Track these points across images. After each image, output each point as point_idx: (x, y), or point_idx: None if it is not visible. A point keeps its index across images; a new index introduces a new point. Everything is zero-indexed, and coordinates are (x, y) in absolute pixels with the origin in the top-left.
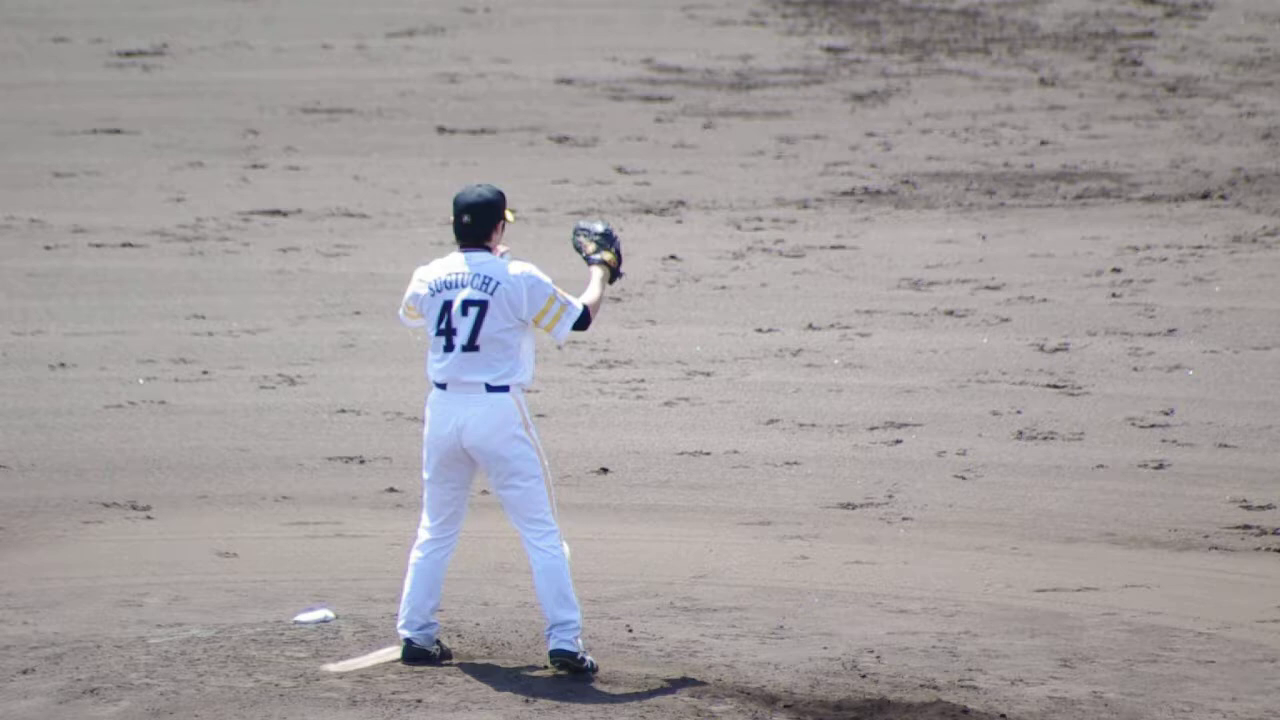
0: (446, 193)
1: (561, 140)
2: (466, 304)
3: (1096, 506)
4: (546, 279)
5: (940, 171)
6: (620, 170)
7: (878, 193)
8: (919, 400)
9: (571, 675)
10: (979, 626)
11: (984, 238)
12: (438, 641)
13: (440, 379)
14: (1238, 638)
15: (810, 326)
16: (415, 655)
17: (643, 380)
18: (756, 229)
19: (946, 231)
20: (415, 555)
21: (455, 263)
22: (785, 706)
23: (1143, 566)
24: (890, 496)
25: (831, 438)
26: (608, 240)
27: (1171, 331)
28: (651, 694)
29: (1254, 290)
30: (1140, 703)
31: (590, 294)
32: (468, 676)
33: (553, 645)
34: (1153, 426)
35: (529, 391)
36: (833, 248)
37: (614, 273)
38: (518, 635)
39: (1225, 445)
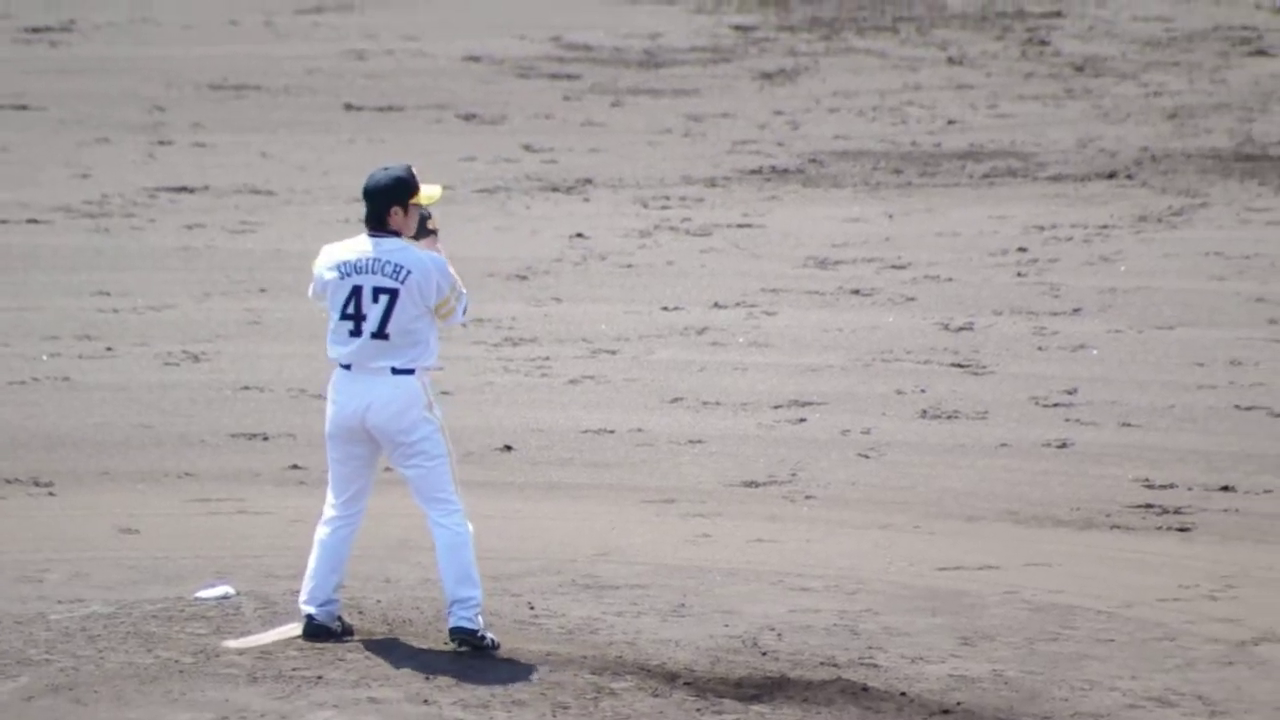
0: (353, 170)
1: (469, 118)
2: (377, 291)
3: (999, 485)
4: (451, 269)
5: (848, 150)
6: (527, 148)
7: (785, 171)
8: (823, 379)
9: (472, 652)
10: (880, 605)
11: (890, 217)
12: (339, 618)
13: (346, 360)
14: (1138, 616)
15: (716, 305)
16: (316, 631)
17: (547, 358)
18: (664, 207)
19: (853, 210)
20: (321, 532)
21: (363, 246)
22: (686, 684)
23: (1044, 545)
24: (794, 475)
25: (736, 416)
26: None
27: (1076, 311)
28: (552, 671)
29: (1159, 270)
30: (1040, 681)
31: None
32: (368, 653)
33: (453, 623)
34: (1056, 405)
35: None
36: (739, 226)
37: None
38: (419, 612)
39: (1128, 424)
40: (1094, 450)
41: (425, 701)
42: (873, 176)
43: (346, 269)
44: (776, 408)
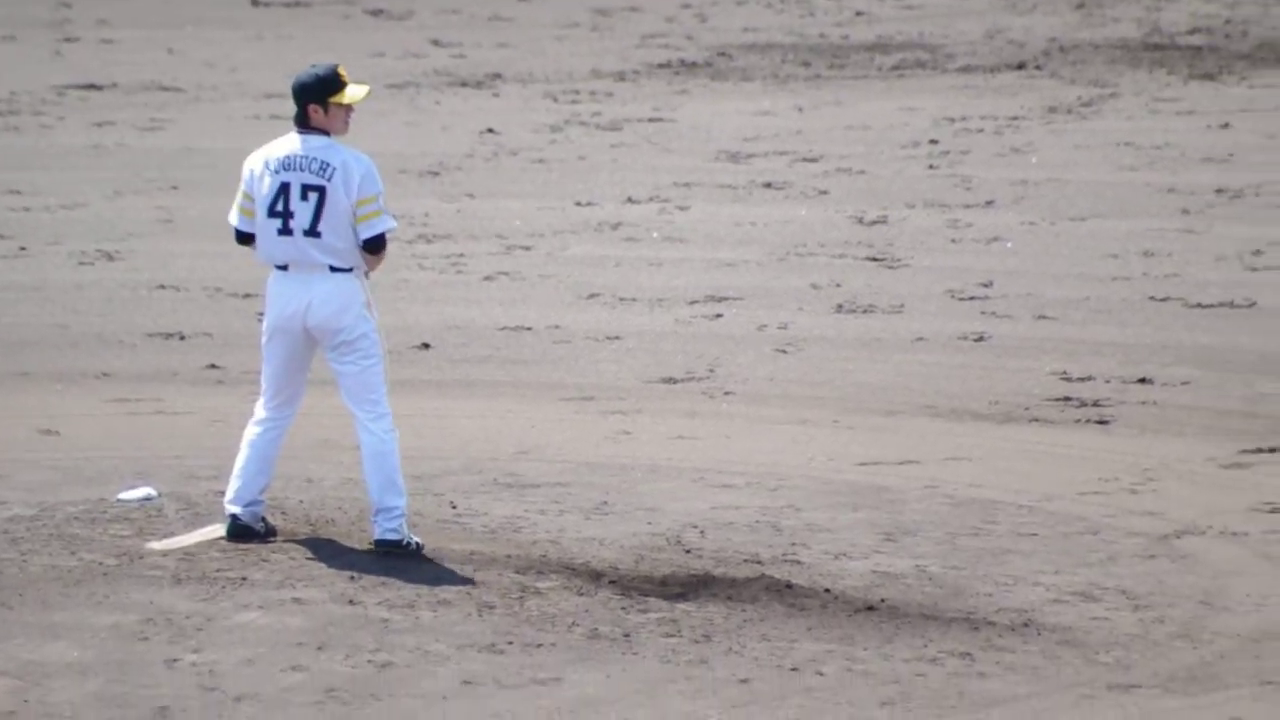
0: (261, 67)
1: (376, 13)
2: (306, 189)
3: (917, 379)
4: (380, 185)
5: (756, 43)
6: (436, 43)
7: (694, 65)
8: (739, 274)
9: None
10: (802, 501)
11: (800, 110)
12: (263, 519)
13: (281, 260)
14: (1059, 510)
15: (629, 200)
16: (240, 532)
17: (462, 255)
18: (573, 102)
19: (763, 104)
20: (250, 433)
21: (292, 143)
22: (610, 582)
23: (964, 439)
24: (711, 371)
25: (652, 312)
26: None
27: (989, 203)
28: (477, 569)
29: (1070, 161)
30: (963, 576)
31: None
32: (292, 554)
33: (377, 534)
34: (972, 299)
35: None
36: (650, 120)
37: None
38: (342, 512)
39: (1044, 317)
40: (1011, 343)
41: (350, 602)
42: (781, 69)
43: (275, 165)
44: (692, 303)
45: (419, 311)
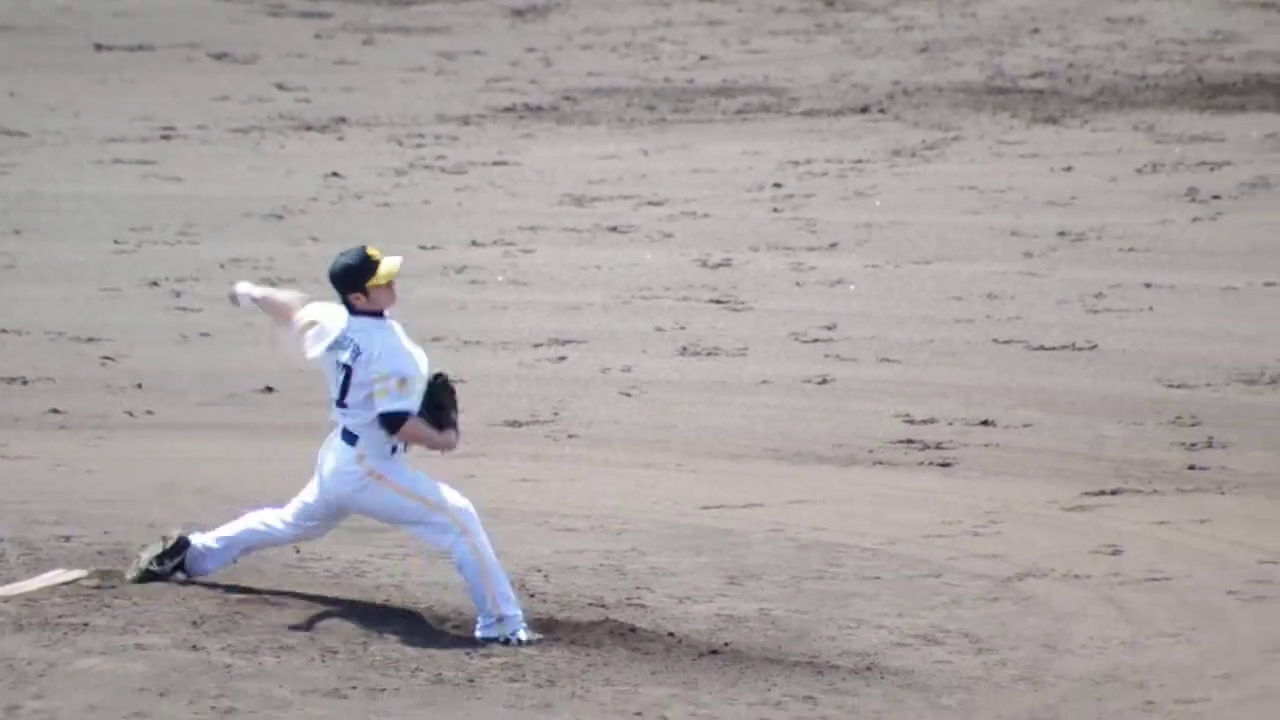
0: (104, 111)
1: (220, 57)
2: (339, 365)
3: (761, 422)
4: (405, 364)
5: (601, 87)
6: (280, 87)
7: (539, 109)
8: (583, 317)
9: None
10: (646, 544)
11: (645, 153)
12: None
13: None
14: (903, 553)
15: (473, 243)
16: (177, 550)
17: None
18: (419, 145)
19: (608, 147)
20: (268, 515)
21: (342, 321)
22: (454, 626)
23: (808, 482)
24: (556, 414)
25: (496, 355)
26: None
27: (833, 246)
28: (320, 617)
29: (914, 204)
30: (807, 619)
31: (426, 431)
32: (134, 599)
33: (478, 633)
34: (815, 341)
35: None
36: (495, 164)
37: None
38: None
39: (887, 360)
40: (854, 386)
41: (193, 648)
42: (627, 113)
43: (333, 344)
44: (537, 346)
45: (263, 355)
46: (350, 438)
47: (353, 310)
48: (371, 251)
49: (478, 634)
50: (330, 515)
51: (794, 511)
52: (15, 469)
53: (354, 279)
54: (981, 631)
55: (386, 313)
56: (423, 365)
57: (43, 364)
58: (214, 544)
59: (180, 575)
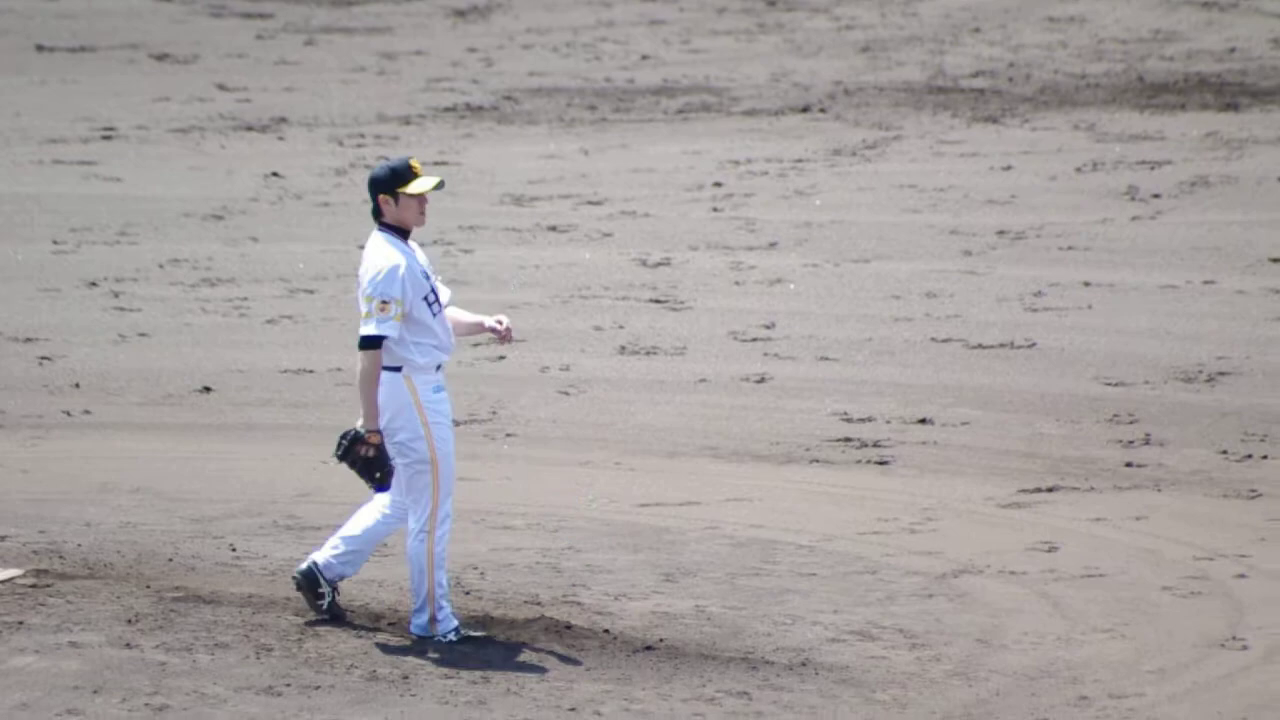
0: (46, 111)
1: (161, 58)
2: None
3: (699, 420)
4: (387, 279)
5: (542, 87)
6: (221, 87)
7: (480, 109)
8: (522, 316)
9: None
10: (582, 542)
11: (586, 153)
12: (334, 586)
13: None
14: (839, 550)
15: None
16: (308, 582)
17: (245, 298)
18: (359, 145)
19: (549, 147)
20: (381, 510)
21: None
22: (390, 624)
23: (745, 480)
24: (494, 413)
25: None
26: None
27: (773, 245)
28: (255, 613)
29: (854, 203)
30: (742, 616)
31: (368, 387)
32: (68, 598)
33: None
34: (754, 340)
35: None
36: (435, 164)
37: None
38: (120, 555)
39: (826, 358)
40: (792, 385)
41: (128, 645)
42: (568, 113)
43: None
44: (476, 345)
45: (201, 355)
46: (392, 369)
47: (380, 219)
48: (415, 162)
49: (412, 630)
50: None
51: (731, 509)
52: None
53: (391, 181)
54: (916, 627)
55: (411, 235)
56: (443, 294)
57: None
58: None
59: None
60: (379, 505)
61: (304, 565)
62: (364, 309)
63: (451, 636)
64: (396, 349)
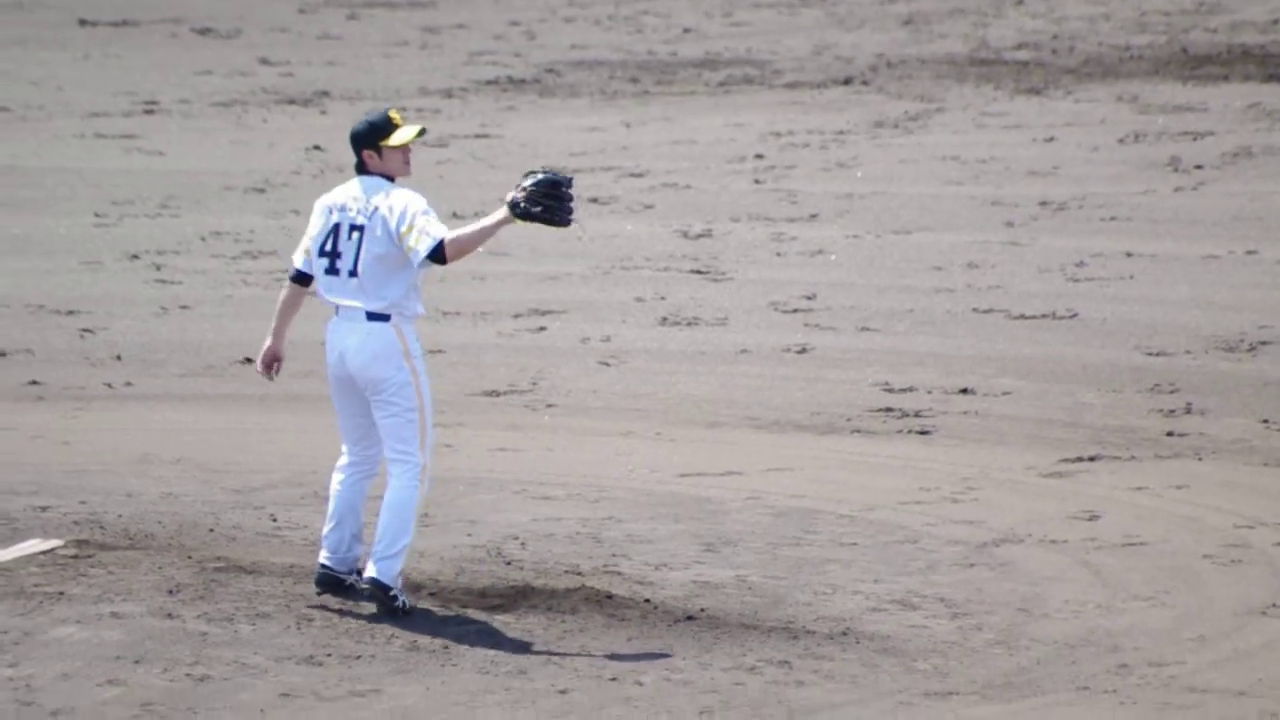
0: (88, 85)
1: (204, 32)
2: (352, 228)
3: (740, 391)
4: (423, 204)
5: (584, 60)
6: (264, 61)
7: (522, 81)
8: (563, 287)
9: (380, 610)
10: (623, 512)
11: (628, 125)
12: (358, 571)
13: (330, 300)
14: (880, 519)
15: (454, 215)
16: (328, 582)
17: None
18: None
19: (591, 119)
20: (334, 480)
21: (352, 188)
22: (430, 594)
23: (786, 450)
24: (534, 384)
25: (475, 326)
26: (536, 187)
27: (814, 217)
28: (296, 583)
29: (895, 175)
30: (782, 585)
31: (464, 229)
32: (110, 568)
33: (370, 572)
34: (795, 311)
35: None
36: (477, 137)
37: (523, 211)
38: (161, 526)
39: (867, 329)
40: (833, 355)
41: (169, 615)
42: (610, 86)
43: (332, 208)
44: (516, 316)
45: (242, 327)
46: (379, 317)
47: (364, 170)
48: (394, 113)
49: (376, 576)
50: (365, 411)
51: (772, 479)
52: None
53: (372, 135)
54: (957, 596)
55: (397, 181)
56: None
57: (22, 336)
58: (334, 541)
59: (354, 578)
60: (341, 474)
61: (321, 574)
62: (418, 226)
63: (406, 602)
64: (390, 294)
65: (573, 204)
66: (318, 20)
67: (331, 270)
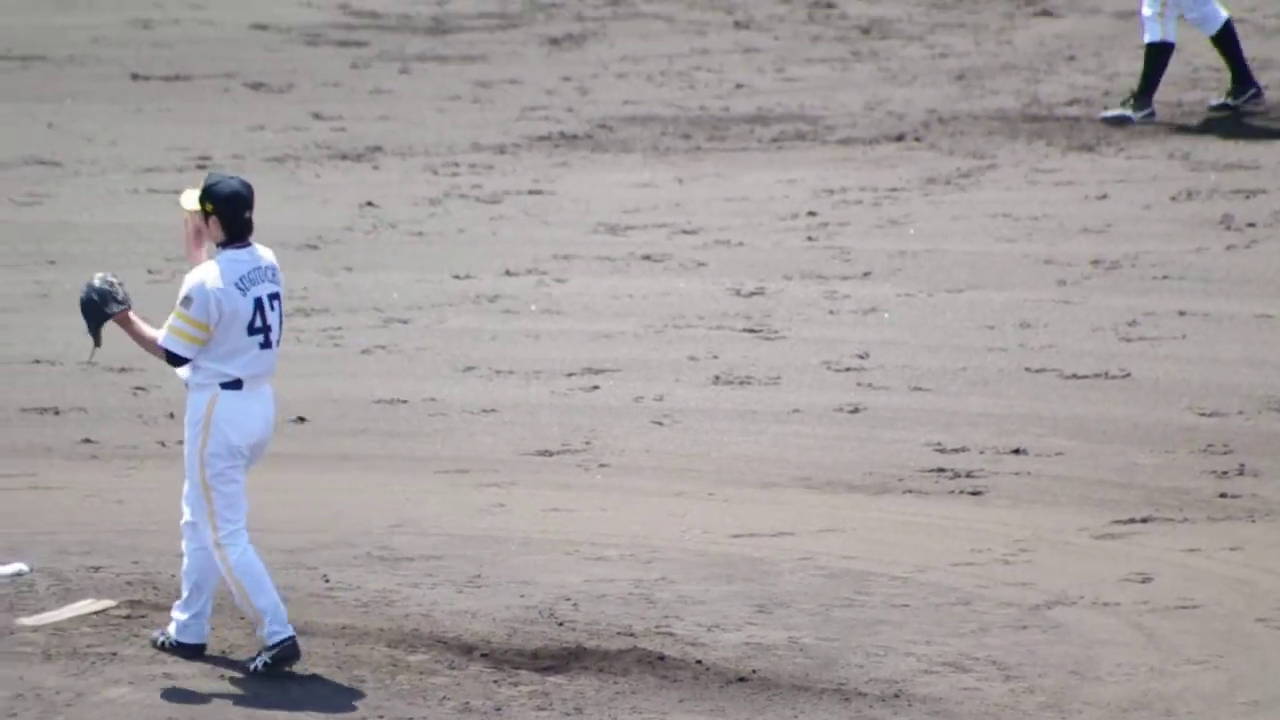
0: (140, 140)
1: (257, 87)
2: (272, 299)
3: (792, 451)
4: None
5: (636, 115)
6: (316, 116)
7: (574, 137)
8: (616, 346)
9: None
10: (675, 573)
11: (680, 181)
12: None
13: (256, 375)
14: (932, 581)
15: (507, 273)
16: (295, 653)
17: (339, 328)
18: (453, 174)
19: (643, 175)
20: (245, 554)
21: (243, 258)
22: (482, 655)
23: (838, 511)
24: (588, 443)
25: (529, 384)
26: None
27: (867, 274)
28: (349, 644)
29: (948, 232)
30: (836, 647)
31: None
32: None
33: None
34: (848, 370)
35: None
36: (530, 193)
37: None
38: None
39: (919, 388)
40: (886, 414)
41: (221, 677)
42: (662, 141)
43: (245, 283)
44: (569, 375)
45: (295, 385)
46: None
47: (247, 232)
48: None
49: (167, 633)
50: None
51: (824, 540)
52: (46, 499)
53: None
54: (1009, 659)
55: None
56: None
57: (75, 394)
58: (282, 611)
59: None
60: (249, 548)
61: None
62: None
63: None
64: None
65: (99, 322)
66: (370, 75)
67: (265, 345)
